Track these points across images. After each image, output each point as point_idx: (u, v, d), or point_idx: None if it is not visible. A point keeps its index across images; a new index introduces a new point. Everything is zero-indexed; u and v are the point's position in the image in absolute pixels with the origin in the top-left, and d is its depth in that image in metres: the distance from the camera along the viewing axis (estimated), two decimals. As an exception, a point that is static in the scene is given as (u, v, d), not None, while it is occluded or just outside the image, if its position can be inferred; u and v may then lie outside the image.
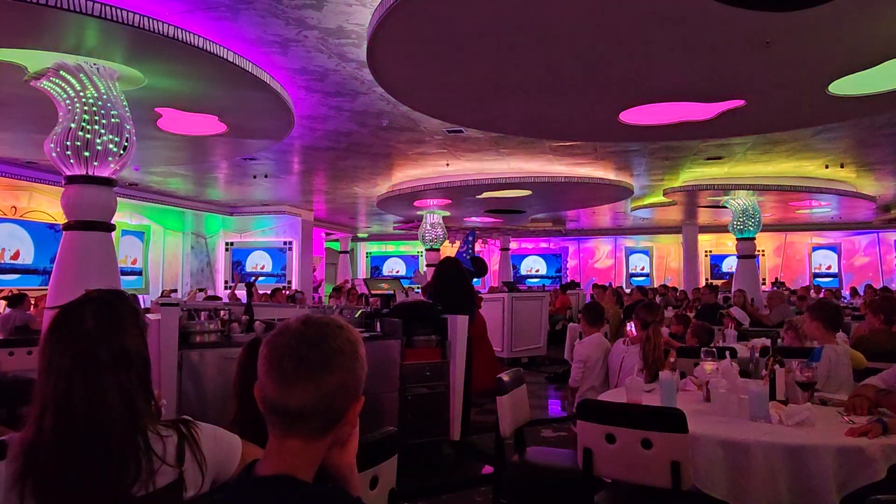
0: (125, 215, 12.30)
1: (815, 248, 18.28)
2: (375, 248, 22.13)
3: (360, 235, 20.57)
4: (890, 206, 13.52)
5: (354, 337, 1.11)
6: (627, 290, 13.31)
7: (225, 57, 4.48)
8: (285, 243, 14.24)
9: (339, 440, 1.12)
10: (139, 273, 12.81)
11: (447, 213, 13.08)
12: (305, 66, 5.12)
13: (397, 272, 20.97)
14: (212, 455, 1.50)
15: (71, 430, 1.32)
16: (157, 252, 13.26)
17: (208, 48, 4.32)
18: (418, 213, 12.93)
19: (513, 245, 19.61)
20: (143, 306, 8.49)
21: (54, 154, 4.41)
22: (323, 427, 1.06)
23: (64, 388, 1.34)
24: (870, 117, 6.59)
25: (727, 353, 3.75)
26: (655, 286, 16.29)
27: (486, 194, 10.70)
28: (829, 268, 18.12)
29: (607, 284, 12.51)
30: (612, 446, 2.67)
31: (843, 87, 5.15)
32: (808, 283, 16.51)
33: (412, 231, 15.96)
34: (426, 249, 13.27)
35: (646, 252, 19.85)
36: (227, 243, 14.57)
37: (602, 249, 20.37)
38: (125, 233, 12.36)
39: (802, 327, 4.74)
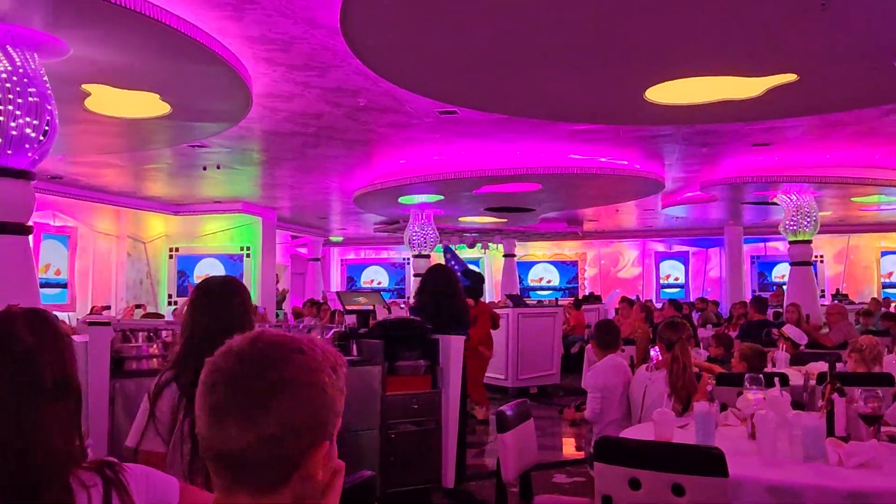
0: (46, 215, 12.23)
1: (884, 254, 18.40)
2: (352, 254, 22.14)
3: (333, 239, 20.57)
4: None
5: (317, 364, 1.04)
6: (658, 305, 13.36)
7: (166, 22, 4.47)
8: (242, 249, 14.21)
9: (304, 497, 1.03)
10: (63, 286, 12.74)
11: (439, 212, 13.10)
12: (266, 34, 5.11)
13: (379, 283, 20.96)
14: (145, 503, 1.50)
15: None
16: (86, 260, 13.19)
17: (146, 11, 4.31)
18: (404, 211, 12.93)
19: (519, 251, 19.65)
20: (68, 325, 8.47)
21: (-42, 140, 4.39)
22: (275, 479, 1.00)
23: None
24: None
25: (776, 379, 3.76)
26: (692, 300, 16.34)
27: (485, 189, 10.72)
28: None
29: (634, 298, 12.54)
30: (636, 493, 2.68)
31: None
32: (875, 296, 16.62)
33: (397, 234, 15.98)
34: (413, 256, 13.28)
35: (681, 258, 19.93)
36: (171, 249, 14.53)
37: (627, 255, 20.44)
38: (46, 237, 12.30)
39: (869, 349, 4.77)
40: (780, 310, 10.87)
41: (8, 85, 4.40)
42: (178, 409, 2.33)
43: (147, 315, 10.37)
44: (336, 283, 21.63)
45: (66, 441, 1.40)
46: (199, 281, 2.61)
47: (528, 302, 14.09)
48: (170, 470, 2.29)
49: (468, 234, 17.87)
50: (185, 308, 2.53)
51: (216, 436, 0.98)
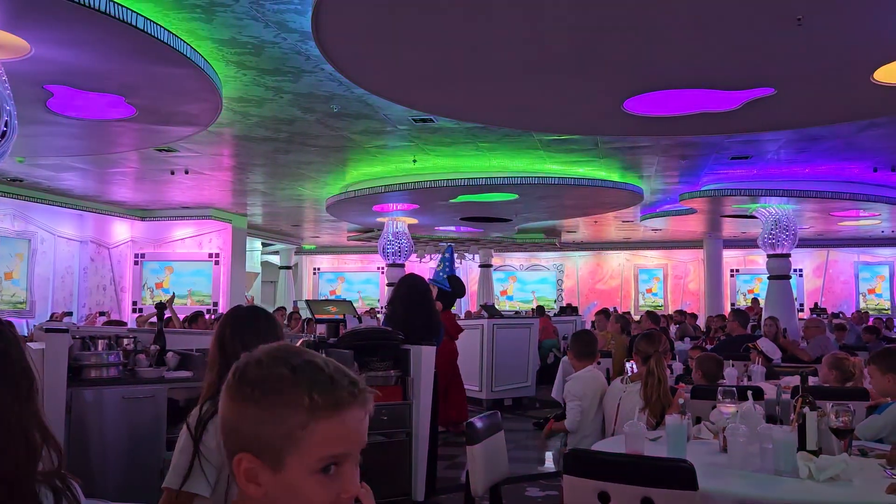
0: (5, 218, 12.07)
1: (862, 267, 18.71)
2: (325, 263, 22.05)
3: (306, 247, 20.48)
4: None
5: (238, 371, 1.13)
6: (637, 318, 13.45)
7: (132, 22, 4.45)
8: (211, 256, 14.11)
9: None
10: (22, 291, 12.57)
11: (414, 221, 13.10)
12: (235, 37, 5.10)
13: (359, 293, 20.87)
14: None
15: None
16: (46, 265, 13.02)
17: (110, 10, 4.28)
18: (378, 220, 12.92)
19: (496, 261, 19.72)
20: (24, 333, 8.35)
21: (-88, 139, 4.33)
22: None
23: None
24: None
25: (749, 393, 3.81)
26: (670, 312, 16.48)
27: (461, 198, 10.74)
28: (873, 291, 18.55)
29: (612, 309, 12.61)
30: (607, 507, 2.70)
31: (891, 74, 5.30)
32: (854, 310, 16.88)
33: (371, 243, 15.96)
34: (388, 265, 13.26)
35: (659, 271, 20.12)
36: (136, 255, 14.38)
37: (606, 267, 20.58)
38: (4, 240, 12.13)
39: (858, 371, 4.81)
40: (757, 324, 10.98)
41: (-34, 83, 4.36)
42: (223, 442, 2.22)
43: (110, 323, 10.25)
44: (308, 291, 21.52)
45: (23, 448, 1.37)
46: (229, 310, 2.61)
47: (503, 313, 14.12)
48: None
49: (444, 244, 17.88)
50: (215, 337, 2.47)
51: None
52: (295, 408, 1.06)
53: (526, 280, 21.18)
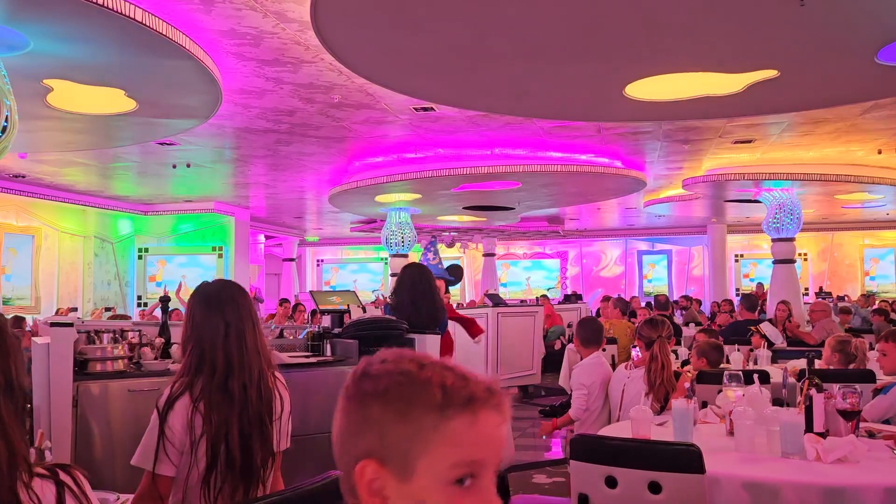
0: (9, 214, 12.09)
1: (868, 251, 18.67)
2: (329, 254, 22.07)
3: (309, 239, 20.49)
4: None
5: None
6: (642, 304, 13.46)
7: (130, 15, 4.43)
8: (214, 249, 14.13)
9: None
10: (27, 287, 12.61)
11: (417, 211, 13.09)
12: (235, 28, 5.09)
13: (354, 282, 20.91)
14: None
15: None
16: (51, 260, 13.05)
17: (108, 3, 4.27)
18: (381, 210, 12.92)
19: (499, 250, 19.71)
20: (29, 328, 8.37)
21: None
22: None
23: None
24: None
25: (756, 376, 3.81)
26: (675, 298, 16.47)
27: (464, 187, 10.73)
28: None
29: (609, 298, 12.62)
30: (613, 491, 2.70)
31: (894, 54, 5.27)
32: (860, 293, 16.85)
33: (374, 233, 15.96)
34: (391, 255, 13.27)
35: (665, 256, 20.10)
36: (140, 249, 14.41)
37: (610, 254, 20.56)
38: (8, 236, 12.16)
39: (861, 353, 4.81)
40: (762, 308, 10.98)
41: (-35, 79, 4.35)
42: (192, 426, 2.24)
43: (115, 317, 10.27)
44: (312, 282, 21.55)
45: (10, 447, 1.37)
46: (199, 285, 2.52)
47: (507, 301, 14.13)
48: (176, 491, 2.25)
49: (447, 234, 17.88)
50: (187, 316, 2.45)
51: None
52: (425, 403, 0.96)
53: (528, 268, 21.21)
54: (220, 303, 2.40)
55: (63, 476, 1.45)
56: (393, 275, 12.32)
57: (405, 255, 12.96)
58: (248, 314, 2.43)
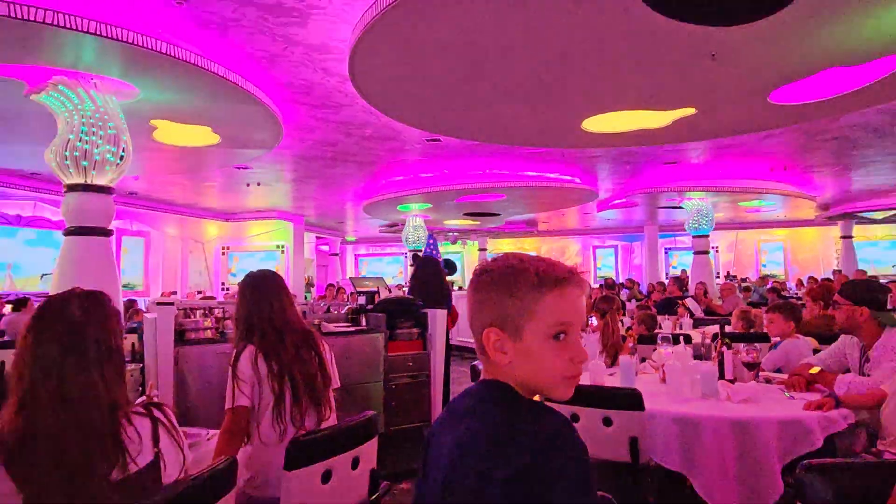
0: (125, 223, 12.12)
1: (763, 244, 18.59)
2: (363, 249, 22.05)
3: (348, 239, 20.46)
4: (829, 204, 13.78)
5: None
6: (595, 286, 13.41)
7: (215, 71, 4.42)
8: (278, 247, 14.12)
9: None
10: (140, 276, 12.63)
11: (428, 217, 13.07)
12: (292, 80, 5.08)
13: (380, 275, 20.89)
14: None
15: (52, 419, 1.28)
16: (157, 256, 13.08)
17: (199, 63, 4.27)
18: (401, 216, 12.90)
19: (489, 245, 19.65)
20: (142, 307, 8.38)
21: (54, 164, 4.33)
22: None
23: (49, 377, 1.31)
24: (807, 123, 6.71)
25: (682, 338, 3.80)
26: (621, 280, 16.41)
27: (463, 199, 10.70)
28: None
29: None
30: (576, 424, 2.68)
31: (784, 95, 5.23)
32: (757, 277, 16.78)
33: (396, 234, 15.93)
34: (409, 250, 13.23)
35: (613, 250, 20.03)
36: (223, 248, 14.42)
37: (572, 248, 20.50)
38: (126, 239, 12.18)
39: (759, 321, 4.80)
40: (686, 288, 10.96)
41: (92, 121, 4.34)
42: (258, 366, 2.20)
43: (204, 298, 10.30)
44: (350, 271, 21.53)
45: (111, 393, 1.36)
46: (245, 276, 2.47)
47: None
48: (258, 417, 2.21)
49: (451, 234, 17.87)
50: (237, 300, 2.41)
51: None
52: (527, 284, 1.01)
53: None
54: (263, 285, 2.39)
55: (156, 413, 1.45)
56: (412, 265, 12.32)
57: (419, 251, 12.94)
58: (283, 292, 2.40)
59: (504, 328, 1.03)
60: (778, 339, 3.78)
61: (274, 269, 2.59)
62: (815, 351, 3.60)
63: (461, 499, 0.97)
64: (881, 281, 3.71)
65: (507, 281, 1.03)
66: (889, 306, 2.97)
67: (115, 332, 1.44)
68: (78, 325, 1.36)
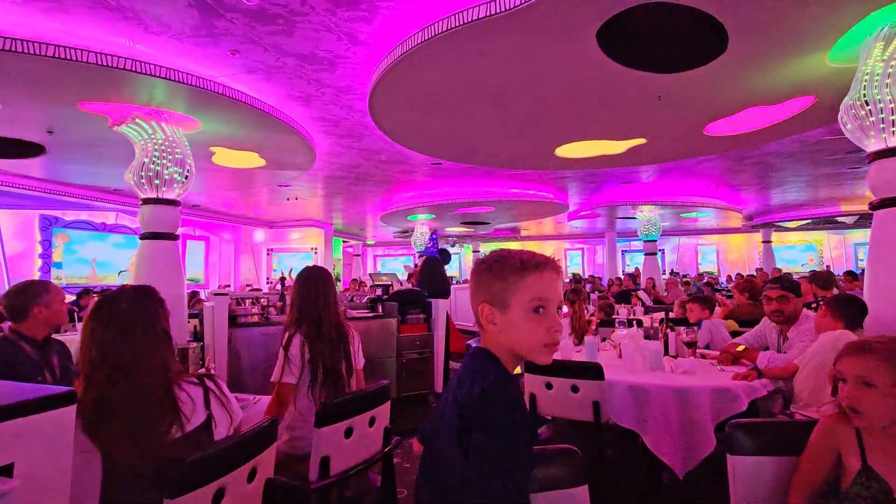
0: (189, 230, 12.11)
1: (700, 248, 18.56)
2: (380, 251, 22.02)
3: (368, 243, 20.44)
4: (752, 215, 13.77)
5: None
6: (566, 280, 13.38)
7: (262, 108, 4.43)
8: (312, 248, 14.11)
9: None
10: (201, 272, 12.61)
11: (433, 224, 13.05)
12: (323, 115, 5.08)
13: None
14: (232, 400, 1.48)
15: (114, 390, 1.28)
16: (215, 256, 13.07)
17: (249, 101, 4.27)
18: (411, 224, 12.89)
19: (482, 247, 19.63)
20: (202, 297, 8.37)
21: (132, 182, 4.33)
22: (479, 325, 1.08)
23: (106, 357, 1.30)
24: (735, 151, 6.71)
25: (635, 323, 3.78)
26: (586, 276, 16.39)
27: (460, 210, 10.70)
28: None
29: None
30: (550, 392, 2.69)
31: (716, 128, 5.23)
32: (696, 274, 16.75)
33: (407, 238, 15.92)
34: (417, 252, 13.21)
35: (580, 251, 20.00)
36: (267, 249, 14.40)
37: (548, 250, 20.45)
38: (190, 242, 12.17)
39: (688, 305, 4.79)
40: (639, 282, 10.92)
41: (163, 148, 4.34)
42: (304, 352, 2.20)
43: (252, 290, 10.27)
44: (371, 268, 21.50)
45: (160, 364, 1.35)
46: (302, 269, 2.43)
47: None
48: (298, 393, 2.22)
49: (451, 238, 17.84)
50: (294, 288, 2.37)
51: None
52: (512, 268, 1.03)
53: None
54: (313, 279, 2.35)
55: (207, 382, 1.43)
56: (415, 265, 12.31)
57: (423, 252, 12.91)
58: (329, 287, 2.37)
59: (493, 304, 1.04)
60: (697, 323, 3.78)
61: (315, 265, 2.54)
62: (734, 333, 3.60)
63: (442, 409, 1.07)
64: (794, 277, 3.71)
65: (497, 266, 1.06)
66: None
67: (160, 316, 1.42)
68: (126, 314, 1.36)
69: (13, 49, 3.15)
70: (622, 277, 11.49)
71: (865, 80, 2.98)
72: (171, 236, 4.43)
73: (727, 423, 1.59)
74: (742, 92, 4.21)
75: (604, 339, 3.80)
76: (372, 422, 2.07)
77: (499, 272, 1.05)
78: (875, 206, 2.96)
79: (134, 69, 3.51)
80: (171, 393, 1.34)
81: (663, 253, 17.91)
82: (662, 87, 4.04)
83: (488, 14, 2.91)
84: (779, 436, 1.51)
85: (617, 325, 3.63)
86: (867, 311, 2.62)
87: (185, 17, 3.21)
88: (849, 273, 7.55)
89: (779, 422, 1.65)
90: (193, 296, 8.10)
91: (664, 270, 16.67)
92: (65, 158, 6.12)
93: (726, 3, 2.82)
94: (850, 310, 2.56)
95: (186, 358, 2.64)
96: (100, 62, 3.38)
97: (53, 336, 2.30)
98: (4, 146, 5.27)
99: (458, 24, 3.03)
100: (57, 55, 3.24)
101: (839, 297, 2.62)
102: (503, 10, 2.87)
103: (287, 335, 2.27)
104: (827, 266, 16.34)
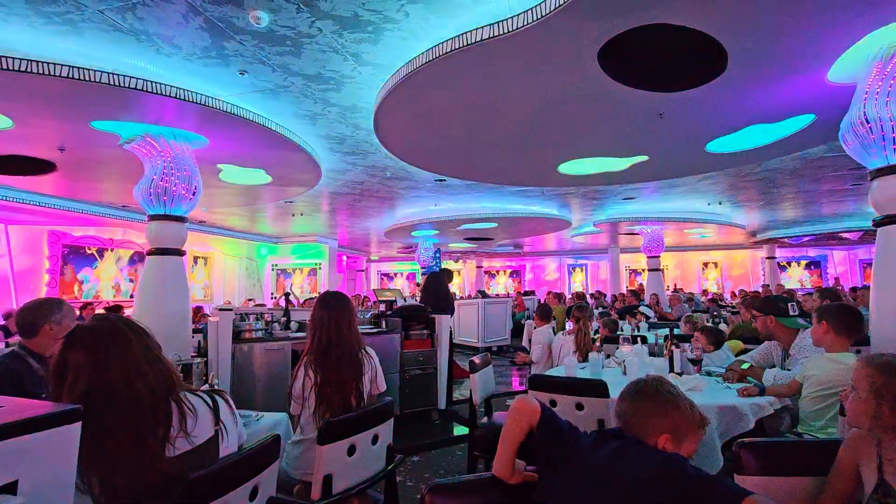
0: (194, 245, 12.17)
1: (703, 263, 18.49)
2: (384, 267, 22.03)
3: (372, 258, 20.46)
4: (756, 231, 13.74)
5: None
6: (568, 295, 13.32)
7: (269, 126, 4.48)
8: (317, 263, 14.13)
9: None
10: (205, 287, 12.63)
11: (437, 241, 13.08)
12: (329, 133, 5.13)
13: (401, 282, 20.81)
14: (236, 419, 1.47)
15: (118, 403, 1.28)
16: (220, 272, 13.10)
17: (257, 120, 4.33)
18: (415, 240, 12.92)
19: (485, 263, 19.64)
20: (207, 312, 8.37)
21: (140, 198, 4.37)
22: None
23: (100, 375, 1.29)
24: (737, 167, 6.72)
25: (639, 339, 3.75)
26: (591, 292, 16.31)
27: (463, 226, 10.73)
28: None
29: (552, 293, 12.56)
30: (555, 409, 2.66)
31: (717, 146, 5.25)
32: (700, 290, 16.65)
33: (411, 254, 15.94)
34: (421, 268, 13.21)
35: (584, 267, 19.95)
36: (272, 265, 14.44)
37: (550, 266, 20.44)
38: (195, 257, 12.21)
39: (700, 323, 4.74)
40: (642, 298, 10.86)
41: (171, 165, 4.39)
42: (304, 386, 2.20)
43: (256, 305, 10.27)
44: (374, 284, 21.48)
45: (158, 379, 1.34)
46: (322, 293, 2.41)
47: (489, 295, 14.04)
48: (304, 413, 2.23)
49: (454, 254, 17.85)
50: (314, 311, 2.34)
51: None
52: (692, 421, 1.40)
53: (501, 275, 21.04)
54: (329, 304, 2.34)
55: (216, 397, 1.43)
56: (422, 276, 12.29)
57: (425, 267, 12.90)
58: (346, 312, 2.32)
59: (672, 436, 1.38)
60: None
61: (334, 290, 2.49)
62: (742, 352, 3.56)
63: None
64: (797, 293, 3.68)
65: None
66: (791, 313, 2.94)
67: (155, 346, 1.41)
68: (123, 337, 1.36)
69: (28, 70, 3.22)
70: (625, 293, 11.42)
71: (865, 99, 3.00)
72: (177, 252, 4.45)
73: (734, 441, 1.57)
74: (742, 110, 4.23)
75: (608, 356, 3.77)
76: (375, 439, 2.05)
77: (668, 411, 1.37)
78: (879, 223, 2.95)
79: (145, 89, 3.57)
80: (172, 403, 1.33)
81: (666, 269, 17.82)
82: (664, 106, 4.06)
83: (491, 36, 2.96)
84: (785, 455, 1.49)
85: (621, 341, 3.60)
86: (863, 319, 2.58)
87: (195, 39, 3.28)
88: (854, 289, 7.49)
89: (785, 442, 1.63)
90: (198, 311, 8.10)
91: (668, 287, 16.59)
92: (75, 175, 6.20)
93: (726, 25, 2.86)
94: (847, 319, 2.51)
95: (190, 373, 2.63)
96: (112, 82, 3.44)
97: None
98: (17, 164, 5.35)
99: (461, 46, 3.08)
100: (70, 75, 3.31)
101: (832, 308, 2.56)
102: (506, 31, 2.92)
103: (297, 366, 2.30)
104: (835, 280, 16.18)
